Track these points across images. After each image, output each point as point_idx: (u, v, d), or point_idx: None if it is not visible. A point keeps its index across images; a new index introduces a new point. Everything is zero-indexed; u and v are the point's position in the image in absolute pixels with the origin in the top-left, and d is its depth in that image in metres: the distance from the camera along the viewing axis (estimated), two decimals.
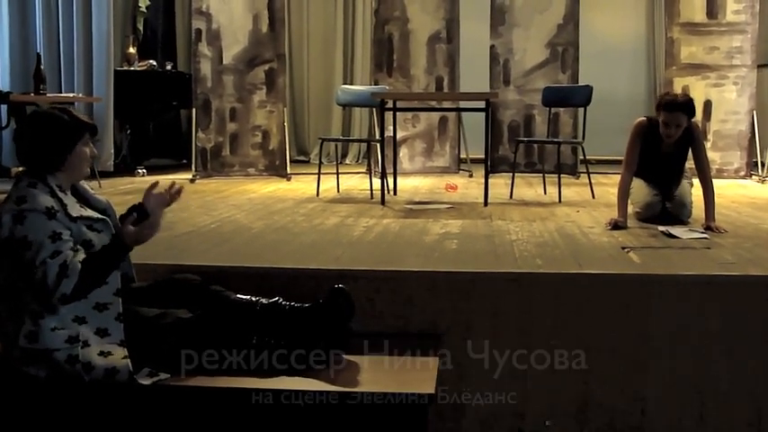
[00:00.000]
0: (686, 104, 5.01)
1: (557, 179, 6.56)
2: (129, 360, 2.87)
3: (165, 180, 3.33)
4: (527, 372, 3.59)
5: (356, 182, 7.96)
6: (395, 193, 6.79)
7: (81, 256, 2.89)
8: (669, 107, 4.98)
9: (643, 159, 5.16)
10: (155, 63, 9.29)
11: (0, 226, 2.89)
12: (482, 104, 6.16)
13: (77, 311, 2.90)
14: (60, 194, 2.96)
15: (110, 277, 2.96)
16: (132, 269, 3.29)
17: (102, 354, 2.87)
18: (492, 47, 8.67)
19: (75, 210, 2.98)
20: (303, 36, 10.74)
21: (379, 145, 7.02)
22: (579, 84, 7.99)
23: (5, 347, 2.96)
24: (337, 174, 7.25)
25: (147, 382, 2.88)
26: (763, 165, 8.17)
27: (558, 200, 6.35)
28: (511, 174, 7.00)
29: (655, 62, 10.51)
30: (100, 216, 3.06)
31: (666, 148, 5.14)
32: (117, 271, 2.99)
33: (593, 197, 6.50)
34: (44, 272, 2.82)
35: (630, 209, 5.16)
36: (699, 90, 8.30)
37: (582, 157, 7.49)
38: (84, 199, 3.11)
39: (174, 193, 3.20)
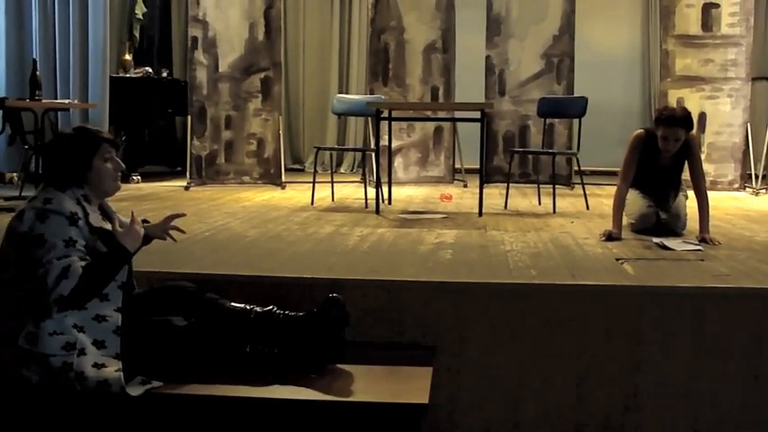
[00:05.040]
0: (685, 119, 5.00)
1: (551, 190, 6.58)
2: (121, 373, 2.86)
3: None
4: (520, 381, 3.59)
5: (351, 191, 7.96)
6: (389, 203, 6.80)
7: (84, 262, 2.92)
8: (668, 122, 4.98)
9: (640, 171, 5.17)
10: (150, 70, 9.29)
11: (22, 221, 2.94)
12: (477, 115, 6.16)
13: (77, 320, 2.90)
14: (84, 204, 3.02)
15: (112, 294, 2.97)
16: (133, 277, 3.28)
17: (96, 365, 2.86)
18: (487, 57, 8.71)
19: (97, 221, 3.04)
20: (299, 45, 10.77)
21: (374, 154, 7.02)
22: (574, 95, 8.03)
23: (1, 346, 2.94)
24: (332, 182, 7.25)
25: (138, 392, 2.87)
26: (757, 177, 8.20)
27: (552, 210, 6.36)
28: (505, 184, 7.01)
29: (650, 74, 10.55)
30: None
31: (664, 160, 5.14)
32: (120, 289, 3.00)
33: (588, 208, 6.52)
34: (47, 270, 2.85)
35: (625, 220, 5.16)
36: (693, 102, 8.33)
37: (576, 168, 7.50)
38: (109, 218, 3.17)
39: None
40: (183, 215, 3.49)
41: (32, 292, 2.90)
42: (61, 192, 2.98)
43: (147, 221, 3.41)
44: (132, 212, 3.17)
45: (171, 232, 3.43)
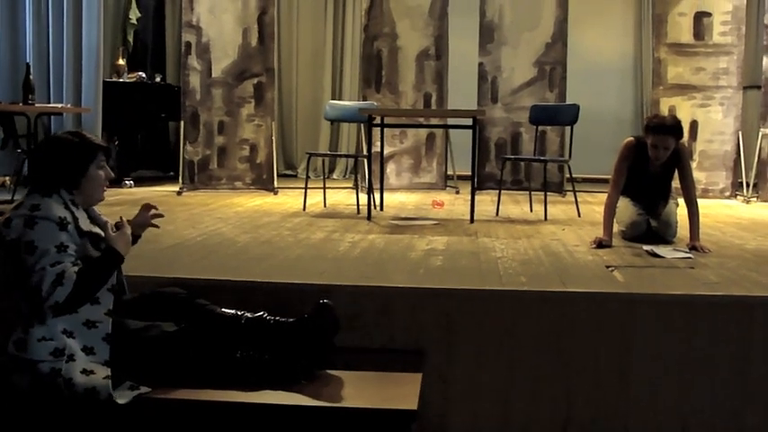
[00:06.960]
0: (675, 127, 5.02)
1: (543, 197, 6.58)
2: (109, 381, 2.86)
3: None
4: (510, 388, 3.60)
5: (343, 197, 7.97)
6: (381, 209, 6.80)
7: (77, 267, 2.92)
8: (658, 130, 5.00)
9: (630, 179, 5.19)
10: (144, 75, 9.29)
11: (9, 228, 2.93)
12: (469, 122, 6.18)
13: (67, 324, 2.91)
14: (73, 208, 3.01)
15: (103, 297, 2.98)
16: (124, 280, 3.28)
17: (84, 372, 2.86)
18: (480, 64, 8.72)
19: (86, 225, 3.04)
20: (292, 51, 10.77)
21: (366, 160, 7.04)
22: (566, 102, 8.04)
23: None
24: (324, 188, 7.26)
25: (126, 399, 2.87)
26: (747, 185, 8.23)
27: (543, 218, 6.38)
28: (497, 191, 7.02)
29: (642, 82, 10.59)
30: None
31: (654, 168, 5.17)
32: (111, 293, 3.01)
33: (579, 215, 6.53)
34: (41, 278, 2.85)
35: (616, 228, 5.18)
36: (685, 110, 8.37)
37: (568, 176, 7.52)
38: (97, 222, 3.17)
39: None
40: (156, 208, 3.45)
41: (23, 299, 2.90)
42: (48, 197, 2.97)
43: (128, 221, 3.38)
44: (121, 217, 3.18)
45: (153, 221, 3.42)
